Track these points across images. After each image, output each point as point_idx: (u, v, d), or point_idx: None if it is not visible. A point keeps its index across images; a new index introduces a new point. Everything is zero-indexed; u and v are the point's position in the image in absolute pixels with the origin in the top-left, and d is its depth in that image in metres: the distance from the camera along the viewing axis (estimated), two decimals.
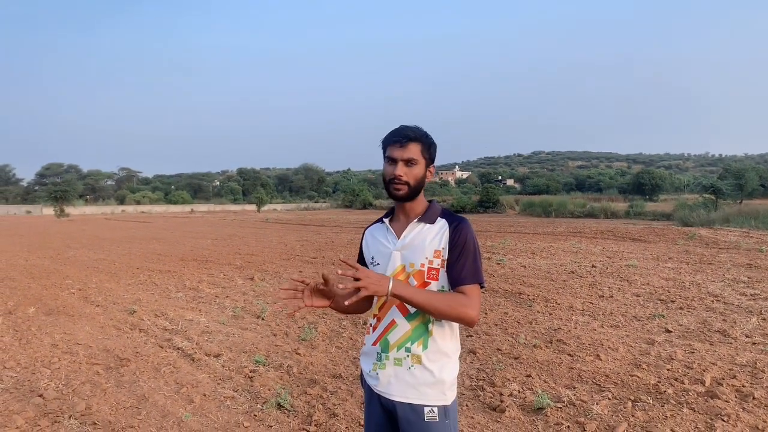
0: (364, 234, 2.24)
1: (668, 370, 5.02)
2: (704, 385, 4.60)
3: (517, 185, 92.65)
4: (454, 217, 2.04)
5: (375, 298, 2.08)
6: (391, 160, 1.98)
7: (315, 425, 3.98)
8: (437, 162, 2.16)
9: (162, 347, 6.02)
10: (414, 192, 2.00)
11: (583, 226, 25.65)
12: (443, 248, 1.97)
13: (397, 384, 1.95)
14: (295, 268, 12.32)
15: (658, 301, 8.03)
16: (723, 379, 4.75)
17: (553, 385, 4.73)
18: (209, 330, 6.74)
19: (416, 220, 2.03)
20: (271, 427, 4.00)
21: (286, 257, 14.49)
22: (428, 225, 2.02)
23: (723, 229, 21.84)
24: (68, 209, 50.37)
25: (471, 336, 6.30)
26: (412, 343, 1.95)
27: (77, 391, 4.67)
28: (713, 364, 5.15)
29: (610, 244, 16.56)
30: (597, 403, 4.26)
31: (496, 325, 6.79)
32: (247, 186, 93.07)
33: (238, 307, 7.99)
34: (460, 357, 2.10)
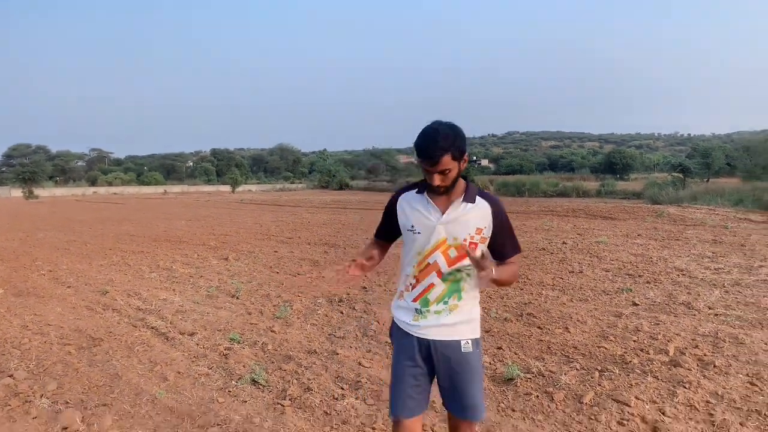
0: (397, 200, 2.43)
1: (634, 341, 5.17)
2: (668, 355, 4.76)
3: (491, 165, 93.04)
4: (491, 198, 2.33)
5: (415, 259, 2.33)
6: (427, 171, 2.19)
7: (289, 399, 4.03)
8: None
9: (135, 326, 5.99)
10: (453, 185, 2.25)
11: (556, 204, 25.99)
12: (485, 227, 2.28)
13: (437, 329, 2.32)
14: (271, 248, 12.29)
15: (627, 276, 8.23)
16: (686, 348, 4.92)
17: (523, 356, 4.85)
18: (183, 309, 6.72)
19: (460, 199, 2.28)
20: (246, 402, 4.03)
21: (261, 237, 14.43)
22: (470, 204, 2.28)
23: (690, 206, 22.33)
24: (37, 191, 49.23)
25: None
26: (449, 298, 2.31)
27: (48, 371, 4.64)
28: (677, 334, 5.32)
29: (581, 222, 16.84)
30: (565, 374, 4.38)
31: None
32: (221, 167, 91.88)
33: (212, 287, 7.97)
34: None
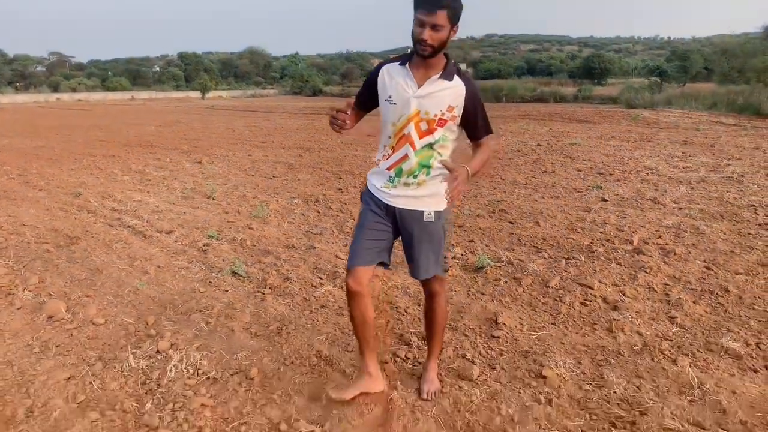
0: (380, 70, 2.48)
1: (601, 233, 5.38)
2: (632, 245, 4.98)
3: (470, 69, 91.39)
4: (468, 80, 2.38)
5: (391, 129, 2.44)
6: (419, 21, 2.20)
7: (269, 288, 4.17)
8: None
9: (112, 226, 6.01)
10: (437, 52, 2.27)
11: (532, 109, 25.90)
12: (457, 106, 2.36)
13: (405, 199, 2.48)
14: (245, 152, 12.17)
15: (598, 175, 8.42)
16: (649, 239, 5.15)
17: (494, 248, 5.03)
18: (159, 209, 6.73)
19: (437, 75, 2.33)
20: (227, 291, 4.16)
21: (234, 142, 14.25)
22: (447, 82, 2.34)
23: (665, 110, 22.45)
24: None
25: (450, 218, 6.52)
26: (418, 172, 2.43)
27: (29, 267, 4.68)
28: (642, 226, 5.54)
29: (557, 126, 16.90)
30: (533, 262, 4.58)
31: None
32: (189, 72, 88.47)
33: (187, 189, 7.95)
34: None
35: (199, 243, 5.34)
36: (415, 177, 2.44)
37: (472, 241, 5.26)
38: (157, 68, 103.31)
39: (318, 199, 7.20)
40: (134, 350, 3.21)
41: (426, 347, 2.92)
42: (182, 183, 8.47)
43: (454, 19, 2.22)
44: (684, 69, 39.38)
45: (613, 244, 5.03)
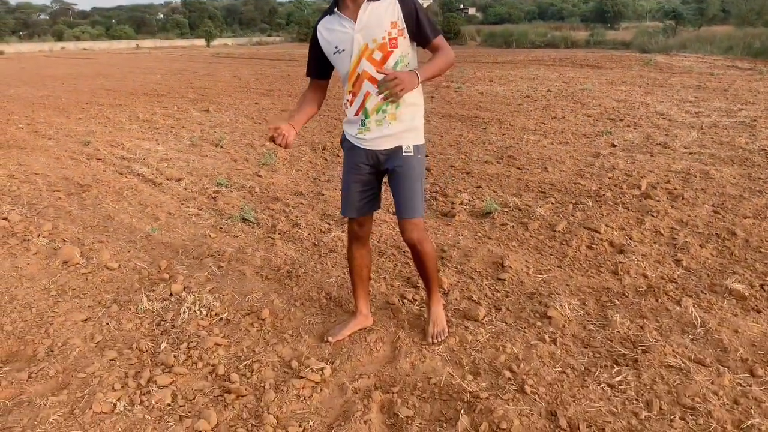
0: (316, 29, 2.44)
1: (609, 178, 5.36)
2: (640, 189, 4.96)
3: (479, 14, 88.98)
4: None
5: (345, 76, 2.40)
6: None
7: (279, 233, 4.22)
8: None
9: (122, 174, 6.05)
10: None
11: (543, 54, 25.36)
12: (398, 19, 2.28)
13: (381, 139, 2.43)
14: (251, 100, 12.07)
15: (608, 120, 8.31)
16: (658, 183, 5.12)
17: (501, 194, 5.04)
18: (168, 157, 6.76)
19: (365, 1, 2.26)
20: (237, 236, 4.22)
21: (241, 90, 14.12)
22: (375, 2, 2.27)
23: (679, 54, 21.95)
24: (1, 47, 46.72)
25: (426, 156, 6.50)
26: (386, 106, 2.36)
27: (42, 214, 4.75)
28: (651, 171, 5.51)
29: (568, 71, 16.57)
30: (540, 207, 4.59)
31: (451, 146, 6.99)
32: (194, 19, 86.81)
33: (195, 137, 7.95)
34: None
35: (209, 190, 5.38)
36: (384, 112, 2.37)
37: (479, 187, 5.26)
38: (161, 16, 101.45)
39: (325, 147, 7.18)
40: (148, 293, 3.29)
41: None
42: (190, 131, 8.45)
43: None
44: (700, 11, 38.17)
45: (621, 189, 5.01)
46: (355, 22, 2.27)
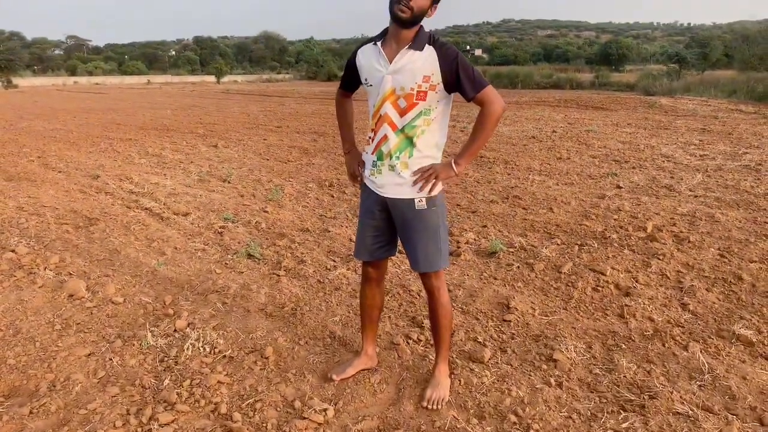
0: (356, 54, 2.46)
1: (615, 219, 5.37)
2: (646, 232, 4.97)
3: (485, 56, 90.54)
4: (441, 45, 2.25)
5: (371, 111, 2.39)
6: None
7: (284, 270, 4.23)
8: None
9: (130, 208, 6.10)
10: (414, 20, 2.19)
11: (548, 95, 25.69)
12: (433, 73, 2.22)
13: (391, 185, 2.38)
14: (260, 136, 12.23)
15: (613, 162, 8.37)
16: (663, 226, 5.13)
17: (507, 233, 5.05)
18: (176, 192, 6.82)
19: (407, 47, 2.24)
20: (242, 273, 4.23)
21: (249, 126, 14.31)
22: (417, 52, 2.23)
23: (683, 97, 22.19)
24: (16, 80, 47.66)
25: (444, 203, 6.54)
26: (400, 153, 2.33)
27: (49, 247, 4.78)
28: (656, 214, 5.52)
29: (572, 112, 16.76)
30: (546, 248, 4.59)
31: (457, 185, 7.03)
32: (205, 56, 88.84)
33: (203, 172, 8.03)
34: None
35: (215, 225, 5.41)
36: (397, 158, 2.32)
37: (485, 226, 5.27)
38: (173, 52, 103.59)
39: (332, 183, 7.24)
40: (152, 328, 3.28)
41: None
42: (198, 166, 8.54)
43: None
44: (704, 56, 38.72)
45: (627, 230, 5.02)
46: (390, 63, 2.26)
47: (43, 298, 3.73)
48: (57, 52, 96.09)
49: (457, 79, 2.23)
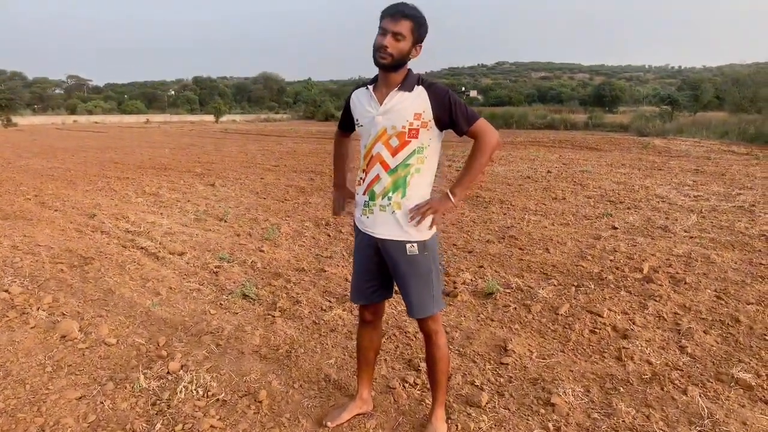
0: (351, 96, 2.54)
1: (611, 260, 5.38)
2: (642, 273, 4.97)
3: (480, 97, 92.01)
4: (430, 85, 2.31)
5: (363, 152, 2.42)
6: (382, 30, 2.22)
7: (279, 311, 4.20)
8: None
9: (125, 247, 6.09)
10: (397, 64, 2.25)
11: (543, 136, 26.01)
12: (424, 111, 2.27)
13: (383, 225, 2.37)
14: (257, 175, 12.30)
15: (608, 203, 8.42)
16: (660, 267, 5.13)
17: (504, 274, 5.04)
18: (172, 231, 6.81)
19: (396, 89, 2.30)
20: (237, 313, 4.19)
21: (247, 165, 14.40)
22: (407, 93, 2.29)
23: (676, 138, 22.47)
24: (15, 119, 48.09)
25: (436, 247, 6.55)
26: (393, 193, 2.33)
27: (43, 287, 4.75)
28: (652, 255, 5.53)
29: (567, 153, 16.94)
30: (543, 289, 4.58)
31: (453, 224, 7.04)
32: (204, 96, 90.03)
33: (200, 211, 8.04)
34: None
35: (211, 265, 5.39)
36: (389, 199, 2.32)
37: (481, 266, 5.27)
38: (173, 92, 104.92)
39: (329, 222, 7.26)
40: (145, 371, 3.24)
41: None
42: (195, 205, 8.56)
43: (417, 33, 2.24)
44: (695, 98, 39.46)
45: (623, 272, 5.02)
46: (381, 104, 2.31)
47: (35, 339, 3.69)
48: (58, 91, 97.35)
49: (450, 114, 2.26)
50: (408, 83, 2.29)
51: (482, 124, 2.30)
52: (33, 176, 12.23)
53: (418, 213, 2.29)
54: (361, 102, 2.41)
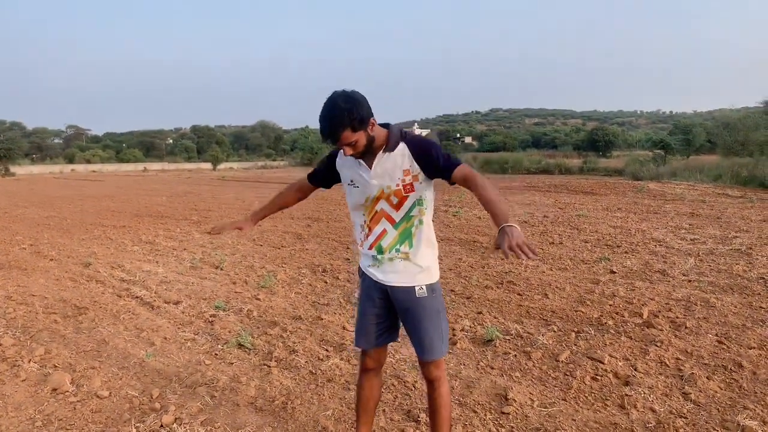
0: (336, 157, 2.53)
1: (610, 305, 5.34)
2: (642, 318, 4.92)
3: (475, 143, 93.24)
4: (411, 139, 2.37)
5: (363, 209, 2.47)
6: (336, 146, 2.34)
7: (275, 360, 4.12)
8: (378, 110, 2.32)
9: (120, 296, 6.03)
10: (367, 150, 2.31)
11: (538, 181, 26.22)
12: (409, 166, 2.33)
13: (393, 275, 2.43)
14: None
15: (605, 246, 8.42)
16: (659, 312, 5.09)
17: (503, 320, 4.99)
18: (167, 280, 6.76)
19: (381, 152, 2.34)
20: (233, 364, 4.12)
21: (244, 212, 14.41)
22: (391, 153, 2.34)
23: (670, 182, 22.66)
24: (13, 168, 48.32)
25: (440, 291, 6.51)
26: (400, 245, 2.41)
27: (35, 338, 4.68)
28: (651, 299, 5.50)
29: (563, 197, 17.04)
30: (543, 335, 4.53)
31: (450, 269, 7.02)
32: (202, 144, 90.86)
33: (196, 259, 8.00)
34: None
35: (206, 314, 5.33)
36: (398, 251, 2.41)
37: (480, 312, 5.22)
38: (171, 140, 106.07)
39: (326, 269, 7.22)
40: (138, 424, 3.16)
41: None
42: (191, 253, 8.53)
43: (359, 125, 2.21)
44: (687, 142, 39.97)
45: (623, 317, 4.98)
46: (370, 169, 2.35)
47: (26, 393, 3.61)
48: (56, 140, 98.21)
49: (435, 160, 2.29)
50: (391, 143, 2.34)
51: (466, 168, 2.29)
52: (29, 225, 12.21)
53: (511, 248, 1.88)
54: (351, 168, 2.43)
